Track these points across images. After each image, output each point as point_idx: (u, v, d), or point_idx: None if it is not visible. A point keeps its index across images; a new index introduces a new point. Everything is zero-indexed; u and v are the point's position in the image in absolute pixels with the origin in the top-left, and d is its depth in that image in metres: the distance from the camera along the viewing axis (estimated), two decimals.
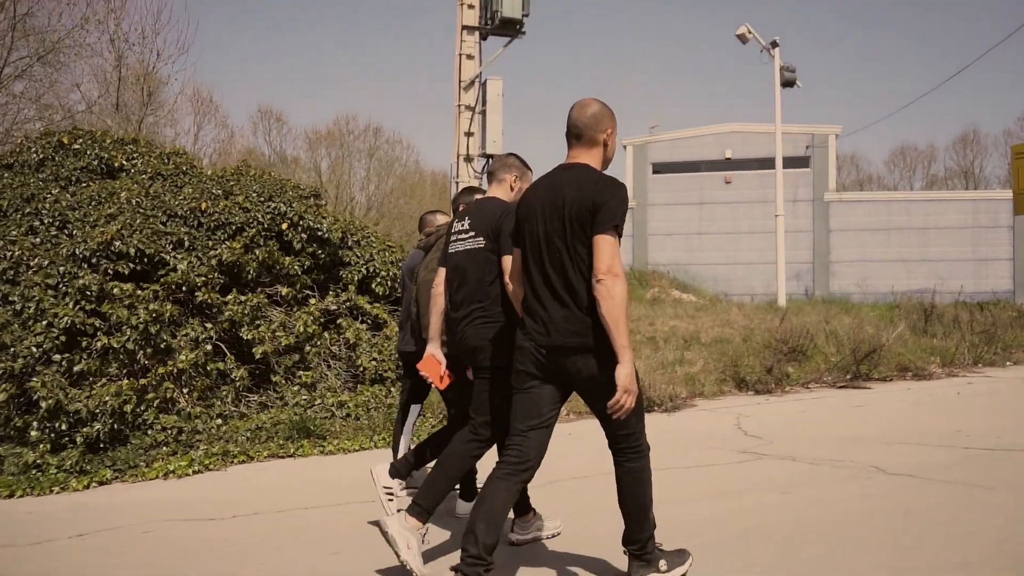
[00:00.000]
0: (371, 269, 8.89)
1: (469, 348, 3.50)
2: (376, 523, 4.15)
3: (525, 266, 3.09)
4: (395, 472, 3.98)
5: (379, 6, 77.10)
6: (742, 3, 78.79)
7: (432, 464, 3.68)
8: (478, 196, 3.92)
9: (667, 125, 31.76)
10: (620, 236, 2.89)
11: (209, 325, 7.34)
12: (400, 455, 4.83)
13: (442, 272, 3.72)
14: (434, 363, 3.72)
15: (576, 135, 3.08)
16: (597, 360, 2.88)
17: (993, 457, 5.38)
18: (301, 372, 7.97)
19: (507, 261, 3.35)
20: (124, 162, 8.80)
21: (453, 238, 3.66)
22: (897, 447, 5.85)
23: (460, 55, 15.32)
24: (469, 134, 15.36)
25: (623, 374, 2.78)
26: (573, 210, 2.90)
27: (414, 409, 4.97)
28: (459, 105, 15.33)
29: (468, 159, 15.37)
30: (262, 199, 8.23)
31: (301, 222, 8.30)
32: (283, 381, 7.92)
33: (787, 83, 17.93)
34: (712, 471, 5.30)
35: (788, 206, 27.80)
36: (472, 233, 3.56)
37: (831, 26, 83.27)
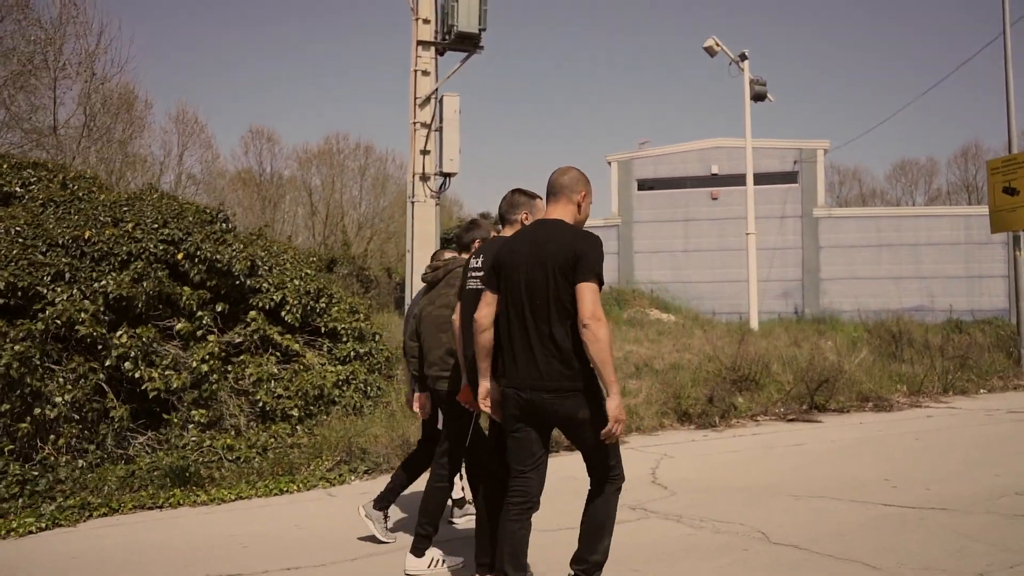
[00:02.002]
0: (282, 297, 8.37)
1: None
2: None
3: (504, 313, 3.28)
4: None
5: (367, 26, 77.29)
6: (721, 16, 78.25)
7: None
8: (494, 233, 4.00)
9: (646, 142, 30.95)
10: (601, 285, 3.13)
11: (83, 358, 6.79)
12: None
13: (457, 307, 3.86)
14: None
15: (553, 193, 3.38)
16: (574, 400, 3.11)
17: (906, 518, 4.76)
18: (196, 411, 7.42)
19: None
20: (19, 188, 8.33)
21: (470, 274, 3.79)
22: (806, 502, 5.24)
23: (415, 71, 14.83)
24: (425, 152, 14.86)
25: (613, 406, 3.05)
26: (557, 262, 3.12)
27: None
28: (415, 123, 14.84)
29: (424, 178, 14.86)
30: (156, 225, 7.72)
31: (199, 252, 7.78)
32: (178, 421, 7.38)
33: (757, 96, 17.33)
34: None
35: (776, 222, 27.16)
36: (483, 272, 3.69)
37: (826, 38, 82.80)
